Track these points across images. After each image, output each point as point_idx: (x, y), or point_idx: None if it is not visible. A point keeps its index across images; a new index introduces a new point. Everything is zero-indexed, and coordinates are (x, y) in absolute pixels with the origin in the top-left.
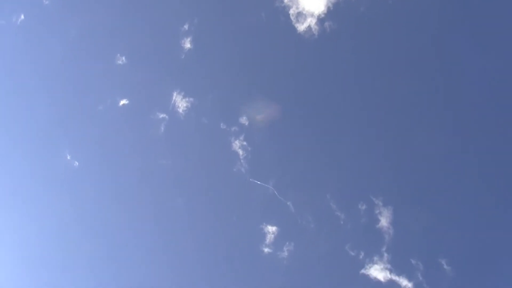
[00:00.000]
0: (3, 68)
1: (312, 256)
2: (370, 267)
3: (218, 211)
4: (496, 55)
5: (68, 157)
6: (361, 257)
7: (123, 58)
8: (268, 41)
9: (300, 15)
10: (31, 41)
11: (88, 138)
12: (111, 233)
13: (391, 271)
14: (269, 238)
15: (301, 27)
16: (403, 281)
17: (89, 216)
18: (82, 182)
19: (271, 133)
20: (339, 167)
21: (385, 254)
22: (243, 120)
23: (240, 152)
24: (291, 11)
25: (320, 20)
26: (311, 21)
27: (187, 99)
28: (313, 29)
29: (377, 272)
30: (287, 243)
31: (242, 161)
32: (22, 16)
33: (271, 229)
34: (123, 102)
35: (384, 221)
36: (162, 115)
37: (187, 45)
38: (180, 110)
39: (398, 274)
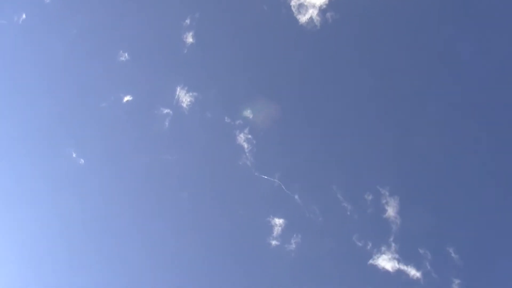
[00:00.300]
0: (6, 68)
1: (320, 247)
2: (378, 258)
3: (225, 205)
4: None
5: (74, 155)
6: (368, 247)
7: (126, 54)
8: (270, 33)
9: (302, 6)
10: (33, 40)
11: (93, 136)
12: (117, 230)
13: (399, 261)
14: (277, 230)
15: (303, 18)
16: (412, 271)
17: (95, 214)
18: (87, 179)
19: (276, 125)
20: (345, 158)
21: (393, 244)
22: (248, 113)
23: (245, 145)
24: (293, 3)
25: (322, 11)
26: (312, 12)
27: (190, 93)
28: (315, 20)
29: (385, 262)
30: (294, 235)
31: (247, 154)
32: (24, 16)
33: (278, 221)
34: (126, 98)
35: (391, 211)
36: (166, 111)
37: (189, 39)
38: (184, 105)
39: (406, 264)
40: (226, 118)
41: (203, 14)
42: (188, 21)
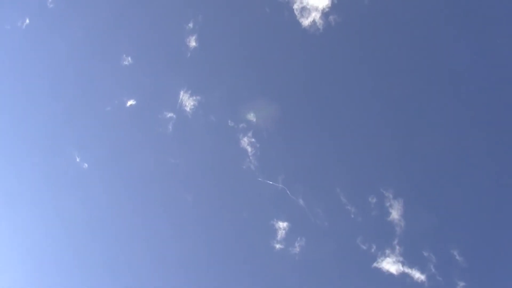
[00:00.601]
0: (10, 72)
1: (324, 251)
2: (382, 260)
3: (229, 209)
4: None
5: (77, 159)
6: (373, 250)
7: (129, 58)
8: (273, 36)
9: (304, 9)
10: (37, 45)
11: (97, 140)
12: (122, 233)
13: (403, 264)
14: (281, 234)
15: (306, 21)
16: (416, 273)
17: (99, 217)
18: (91, 183)
19: (279, 129)
20: (348, 160)
21: (397, 247)
22: (251, 116)
23: (249, 149)
24: (295, 6)
25: (325, 14)
26: (315, 16)
27: (194, 97)
28: (317, 24)
29: (390, 265)
30: (298, 239)
31: (251, 157)
32: (27, 21)
33: (282, 225)
34: (130, 102)
35: (395, 214)
36: (169, 114)
37: (192, 43)
38: (188, 109)
39: (411, 267)
40: (229, 121)
41: (206, 18)
42: (191, 24)
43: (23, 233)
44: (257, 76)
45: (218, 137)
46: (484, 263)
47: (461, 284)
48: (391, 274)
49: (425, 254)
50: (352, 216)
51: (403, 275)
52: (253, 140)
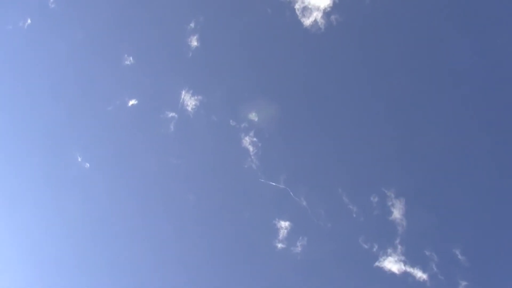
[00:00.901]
0: (12, 72)
1: (326, 250)
2: (384, 260)
3: (230, 208)
4: None
5: (79, 159)
6: (374, 249)
7: (131, 58)
8: (275, 36)
9: (306, 9)
10: (39, 45)
11: (99, 140)
12: (123, 233)
13: (405, 263)
14: (282, 233)
15: (307, 21)
16: (418, 273)
17: (101, 217)
18: (93, 183)
19: (280, 128)
20: (350, 160)
21: (399, 246)
22: (253, 116)
23: (251, 148)
24: (297, 6)
25: (326, 13)
26: (317, 15)
27: (195, 97)
28: (319, 23)
29: (391, 264)
30: (300, 238)
31: (252, 157)
32: (29, 21)
33: (284, 224)
34: (132, 102)
35: (396, 213)
36: (171, 114)
37: (194, 43)
38: (189, 108)
39: (413, 266)
40: (231, 121)
41: (207, 18)
42: (192, 24)
43: (25, 233)
44: (258, 75)
45: (219, 137)
46: (486, 262)
47: (463, 283)
48: (393, 274)
49: (427, 253)
50: (354, 215)
51: (405, 274)
52: (254, 139)
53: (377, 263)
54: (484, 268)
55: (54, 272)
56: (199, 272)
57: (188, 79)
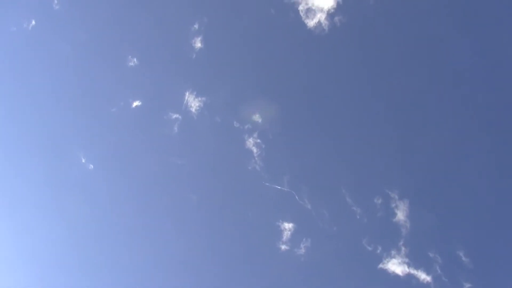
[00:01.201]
0: (16, 74)
1: (329, 252)
2: (387, 262)
3: (234, 210)
4: None
5: (83, 161)
6: (378, 251)
7: (135, 59)
8: (278, 37)
9: (310, 10)
10: (43, 46)
11: (102, 141)
12: (127, 234)
13: (409, 265)
14: (286, 235)
15: (311, 22)
16: (422, 275)
17: (104, 218)
18: (97, 185)
19: (284, 129)
20: (354, 161)
21: (403, 248)
22: (256, 117)
23: (254, 149)
24: (301, 7)
25: (330, 15)
26: (320, 17)
27: (199, 98)
28: (323, 25)
29: (395, 266)
30: (303, 240)
31: (256, 158)
32: (33, 22)
33: (288, 226)
34: (136, 103)
35: (400, 215)
36: (175, 115)
37: (198, 44)
38: (193, 110)
39: (416, 268)
40: (235, 122)
41: (211, 19)
42: (196, 26)
43: (28, 234)
44: (262, 77)
45: (223, 138)
46: (490, 264)
47: (467, 285)
48: (396, 275)
49: (431, 255)
50: (358, 217)
51: (409, 276)
52: (258, 141)
53: (380, 265)
54: (488, 270)
55: (56, 272)
56: (201, 272)
57: (192, 80)
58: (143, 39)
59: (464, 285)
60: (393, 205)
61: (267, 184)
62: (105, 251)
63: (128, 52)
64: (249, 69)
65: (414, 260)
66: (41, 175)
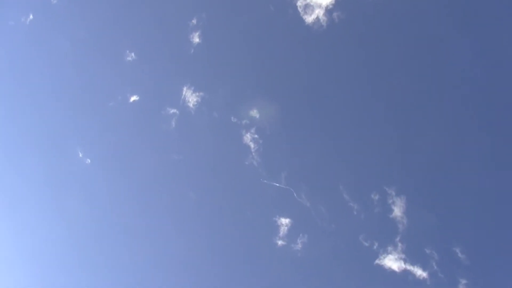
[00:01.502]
0: (14, 68)
1: (326, 247)
2: (384, 257)
3: (231, 205)
4: None
5: (80, 155)
6: (375, 247)
7: (132, 54)
8: (277, 33)
9: (308, 6)
10: (41, 40)
11: (100, 136)
12: (124, 229)
13: (405, 261)
14: (283, 230)
15: (309, 18)
16: (418, 271)
17: (101, 214)
18: (94, 179)
19: (282, 125)
20: (352, 157)
21: (399, 244)
22: (254, 113)
23: (252, 145)
24: (299, 3)
25: (328, 11)
26: (319, 12)
27: (197, 93)
28: (321, 20)
29: (392, 262)
30: (300, 235)
31: (253, 154)
32: (31, 16)
33: (285, 221)
34: (133, 98)
35: (397, 211)
36: (172, 110)
37: (196, 39)
38: (191, 105)
39: (413, 264)
40: (232, 118)
41: (209, 14)
42: (194, 21)
43: (26, 230)
44: (260, 72)
45: (221, 133)
46: (486, 260)
47: (463, 281)
48: (393, 271)
49: (427, 251)
50: (355, 213)
51: (405, 272)
52: (256, 136)
53: (377, 261)
54: (484, 267)
55: (54, 268)
56: (199, 268)
57: (190, 75)
58: (141, 34)
59: (460, 281)
60: (390, 201)
61: (265, 181)
62: (100, 246)
63: (126, 47)
64: (247, 64)
65: (411, 256)
66: (38, 169)
